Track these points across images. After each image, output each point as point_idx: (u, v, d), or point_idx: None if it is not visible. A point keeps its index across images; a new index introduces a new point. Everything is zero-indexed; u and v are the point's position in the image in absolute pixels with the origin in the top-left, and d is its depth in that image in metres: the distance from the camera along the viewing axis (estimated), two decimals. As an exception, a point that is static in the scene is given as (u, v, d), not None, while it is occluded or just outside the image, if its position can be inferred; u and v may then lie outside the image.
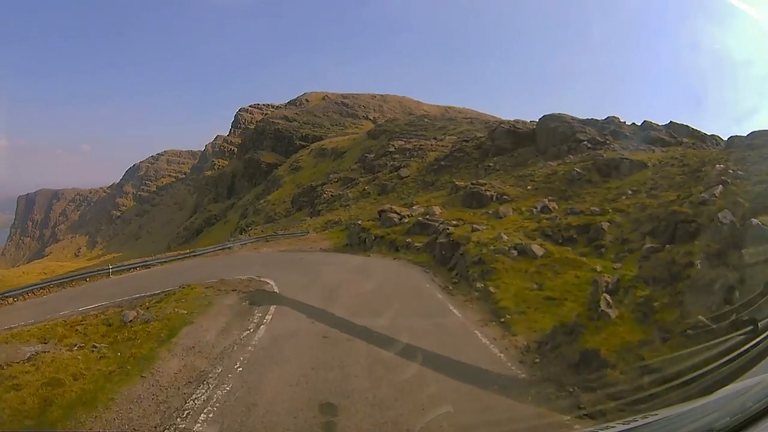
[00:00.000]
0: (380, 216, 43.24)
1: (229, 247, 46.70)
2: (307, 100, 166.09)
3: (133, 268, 35.82)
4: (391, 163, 78.99)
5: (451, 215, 38.94)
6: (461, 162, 65.50)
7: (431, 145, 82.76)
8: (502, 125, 66.69)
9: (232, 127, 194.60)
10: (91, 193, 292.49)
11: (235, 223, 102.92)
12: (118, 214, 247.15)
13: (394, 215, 40.98)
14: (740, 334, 6.47)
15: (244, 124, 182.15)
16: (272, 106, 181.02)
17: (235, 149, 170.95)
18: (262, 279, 23.53)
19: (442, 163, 67.98)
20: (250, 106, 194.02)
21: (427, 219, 37.92)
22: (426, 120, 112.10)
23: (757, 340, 5.67)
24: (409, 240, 35.45)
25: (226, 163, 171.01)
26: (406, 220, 39.61)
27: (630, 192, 35.18)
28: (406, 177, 69.71)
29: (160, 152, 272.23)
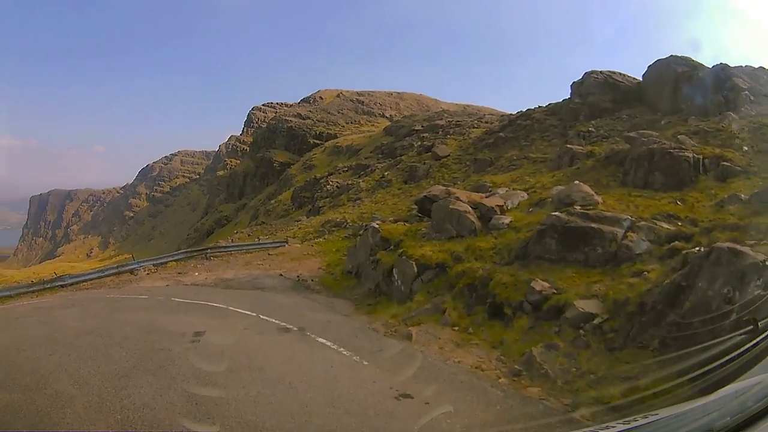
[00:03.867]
0: (421, 209, 16.39)
1: (131, 271, 24.00)
2: (321, 98, 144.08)
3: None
4: (419, 143, 53.76)
5: (635, 205, 11.78)
6: (532, 131, 40.78)
7: (470, 122, 57.85)
8: (594, 75, 41.03)
9: (245, 126, 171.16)
10: (104, 193, 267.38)
11: (246, 224, 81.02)
12: (131, 214, 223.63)
13: (464, 207, 13.39)
14: (740, 334, 5.59)
15: (257, 122, 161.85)
16: (285, 105, 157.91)
17: (248, 148, 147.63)
18: None
19: (501, 134, 42.58)
20: (263, 105, 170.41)
21: (584, 214, 11.55)
22: (445, 116, 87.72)
23: (757, 340, 4.91)
24: (542, 287, 10.09)
25: (238, 162, 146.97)
26: (506, 222, 12.69)
27: None
28: (446, 157, 43.12)
29: (173, 152, 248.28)
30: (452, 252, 12.85)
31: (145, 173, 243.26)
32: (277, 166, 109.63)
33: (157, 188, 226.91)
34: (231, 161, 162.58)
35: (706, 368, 5.87)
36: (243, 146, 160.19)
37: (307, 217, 45.93)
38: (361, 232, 19.06)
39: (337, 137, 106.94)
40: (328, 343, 10.37)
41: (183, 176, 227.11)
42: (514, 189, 18.15)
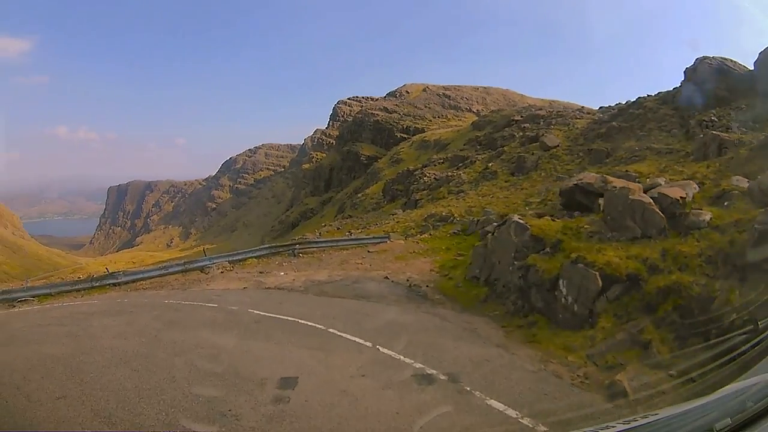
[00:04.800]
0: (568, 202, 15.16)
1: (201, 268, 20.32)
2: (407, 92, 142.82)
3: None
4: (521, 134, 52.01)
5: None
6: (647, 121, 38.14)
7: (572, 113, 56.86)
8: (707, 61, 38.01)
9: (330, 119, 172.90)
10: (186, 185, 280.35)
11: (332, 217, 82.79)
12: (214, 206, 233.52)
13: (647, 199, 11.96)
14: (740, 334, 5.75)
15: (342, 116, 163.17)
16: (371, 99, 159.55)
17: (333, 142, 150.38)
18: None
19: (614, 124, 40.34)
20: (348, 99, 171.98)
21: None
22: (533, 110, 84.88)
23: (757, 340, 5.09)
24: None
25: (324, 156, 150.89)
26: (706, 218, 10.82)
27: None
28: (555, 147, 41.83)
29: (257, 146, 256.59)
30: (644, 259, 10.04)
31: (228, 165, 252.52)
32: (363, 159, 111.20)
33: (240, 180, 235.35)
34: (316, 154, 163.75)
35: None
36: (329, 140, 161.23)
37: (403, 211, 45.03)
38: (493, 230, 16.04)
39: (424, 131, 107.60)
40: (510, 412, 6.27)
41: (267, 169, 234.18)
42: (670, 179, 15.99)
